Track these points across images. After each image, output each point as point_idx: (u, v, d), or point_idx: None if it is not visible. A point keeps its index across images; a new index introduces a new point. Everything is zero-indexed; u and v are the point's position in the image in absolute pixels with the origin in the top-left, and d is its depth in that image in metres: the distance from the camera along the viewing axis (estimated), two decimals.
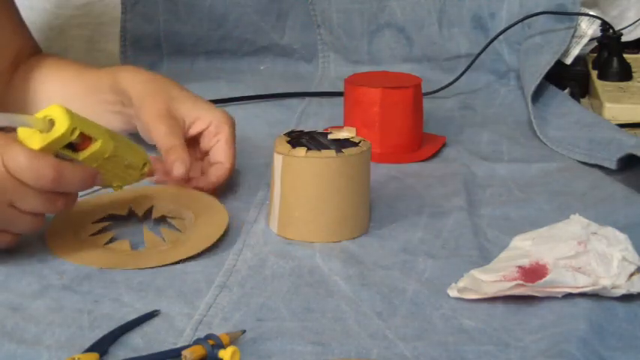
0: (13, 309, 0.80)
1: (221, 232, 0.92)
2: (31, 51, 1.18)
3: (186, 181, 0.99)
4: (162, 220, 0.96)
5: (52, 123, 0.83)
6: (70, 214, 0.94)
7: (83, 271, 0.86)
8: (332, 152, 0.91)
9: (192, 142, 1.03)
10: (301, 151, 0.91)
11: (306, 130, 0.98)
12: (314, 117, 1.29)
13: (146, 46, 1.44)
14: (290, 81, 1.43)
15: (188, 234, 0.92)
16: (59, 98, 1.10)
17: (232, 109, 1.31)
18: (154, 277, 0.85)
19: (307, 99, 1.35)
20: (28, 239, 0.91)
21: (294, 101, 1.34)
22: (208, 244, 0.90)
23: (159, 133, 0.99)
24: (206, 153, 1.03)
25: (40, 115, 0.83)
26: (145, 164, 0.94)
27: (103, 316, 0.79)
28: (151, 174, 0.96)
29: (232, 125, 1.03)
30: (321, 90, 1.40)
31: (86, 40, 1.52)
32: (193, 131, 1.02)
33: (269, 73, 1.47)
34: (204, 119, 1.02)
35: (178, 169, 0.97)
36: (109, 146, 0.87)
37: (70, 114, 0.83)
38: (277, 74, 1.46)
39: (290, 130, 0.98)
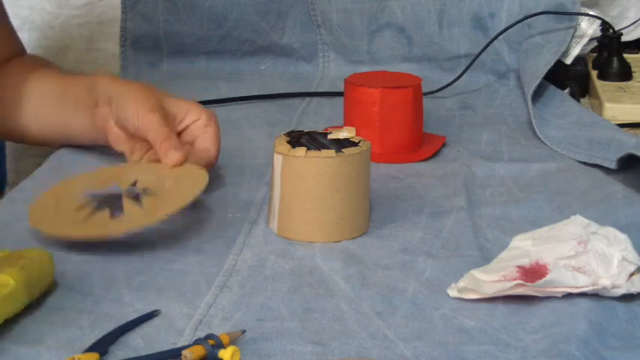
0: None
1: (198, 191, 0.92)
2: (18, 52, 1.22)
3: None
4: (145, 191, 0.96)
5: None
6: (53, 195, 0.95)
7: (83, 271, 0.86)
8: (332, 152, 0.91)
9: (177, 135, 1.04)
10: (301, 151, 0.91)
11: (306, 130, 0.98)
12: (314, 117, 1.29)
13: (146, 46, 1.44)
14: (290, 81, 1.43)
15: (166, 196, 0.93)
16: (36, 95, 1.13)
17: (232, 109, 1.31)
18: (154, 277, 0.85)
19: (307, 99, 1.35)
20: (28, 239, 0.91)
21: (294, 101, 1.34)
22: (184, 203, 0.90)
23: (151, 121, 1.00)
24: (190, 144, 1.04)
25: None
26: None
27: (103, 316, 0.78)
28: None
29: (218, 124, 1.05)
30: (321, 90, 1.40)
31: (86, 40, 1.52)
32: (184, 124, 1.04)
33: (269, 73, 1.47)
34: (195, 112, 1.04)
35: (173, 157, 0.98)
36: None
37: None
38: (277, 74, 1.46)
39: (290, 130, 0.98)
